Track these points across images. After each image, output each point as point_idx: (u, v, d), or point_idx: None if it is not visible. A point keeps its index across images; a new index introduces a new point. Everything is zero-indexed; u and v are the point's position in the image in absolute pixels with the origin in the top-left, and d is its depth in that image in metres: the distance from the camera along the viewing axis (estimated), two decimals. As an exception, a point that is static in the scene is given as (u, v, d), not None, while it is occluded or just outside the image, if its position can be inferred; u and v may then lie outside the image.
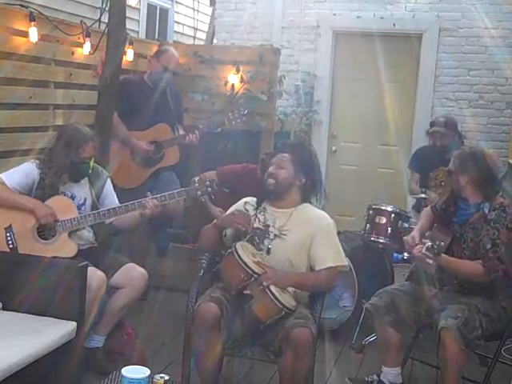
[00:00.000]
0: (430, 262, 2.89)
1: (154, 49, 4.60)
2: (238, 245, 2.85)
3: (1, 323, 2.69)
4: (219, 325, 2.71)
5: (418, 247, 3.00)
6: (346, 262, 3.02)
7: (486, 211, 3.06)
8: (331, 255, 2.94)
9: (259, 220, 3.01)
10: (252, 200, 3.12)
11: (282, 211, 3.01)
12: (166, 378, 2.24)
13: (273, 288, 2.75)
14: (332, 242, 2.98)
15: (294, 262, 2.93)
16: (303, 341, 2.63)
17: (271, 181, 3.00)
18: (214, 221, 3.10)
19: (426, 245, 2.89)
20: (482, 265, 2.99)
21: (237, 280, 2.79)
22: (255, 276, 2.77)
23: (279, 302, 2.73)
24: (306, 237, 2.94)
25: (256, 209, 3.05)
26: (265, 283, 2.73)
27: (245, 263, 2.77)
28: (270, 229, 2.97)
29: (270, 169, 3.03)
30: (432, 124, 4.69)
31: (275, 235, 2.95)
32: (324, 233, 2.96)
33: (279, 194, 3.02)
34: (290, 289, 2.87)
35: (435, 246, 2.88)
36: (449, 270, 3.06)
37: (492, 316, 2.99)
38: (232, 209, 3.14)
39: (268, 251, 2.93)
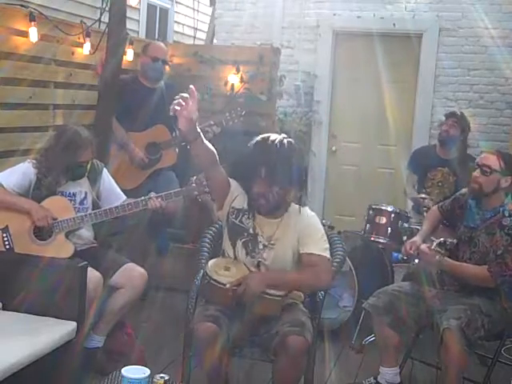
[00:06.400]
0: (437, 257, 2.86)
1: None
2: (210, 270, 2.72)
3: (1, 323, 2.69)
4: (219, 339, 2.62)
5: (426, 245, 2.97)
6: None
7: (506, 214, 3.03)
8: (324, 246, 2.80)
9: (251, 227, 2.84)
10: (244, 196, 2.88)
11: (270, 221, 2.83)
12: (166, 377, 2.23)
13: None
14: (319, 235, 2.82)
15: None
16: (298, 349, 2.58)
17: (262, 201, 2.73)
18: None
19: (439, 240, 2.85)
20: (488, 270, 2.97)
21: (227, 300, 2.70)
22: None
23: (277, 295, 2.69)
24: (295, 240, 2.81)
25: (247, 212, 2.85)
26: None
27: (224, 284, 2.66)
28: (259, 238, 2.82)
29: (259, 187, 2.71)
30: (448, 115, 4.67)
31: (264, 245, 2.81)
32: (310, 226, 2.83)
33: (270, 211, 2.80)
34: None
35: (448, 242, 2.85)
36: (452, 274, 3.05)
37: (494, 317, 2.99)
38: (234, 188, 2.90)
39: (258, 264, 2.81)
